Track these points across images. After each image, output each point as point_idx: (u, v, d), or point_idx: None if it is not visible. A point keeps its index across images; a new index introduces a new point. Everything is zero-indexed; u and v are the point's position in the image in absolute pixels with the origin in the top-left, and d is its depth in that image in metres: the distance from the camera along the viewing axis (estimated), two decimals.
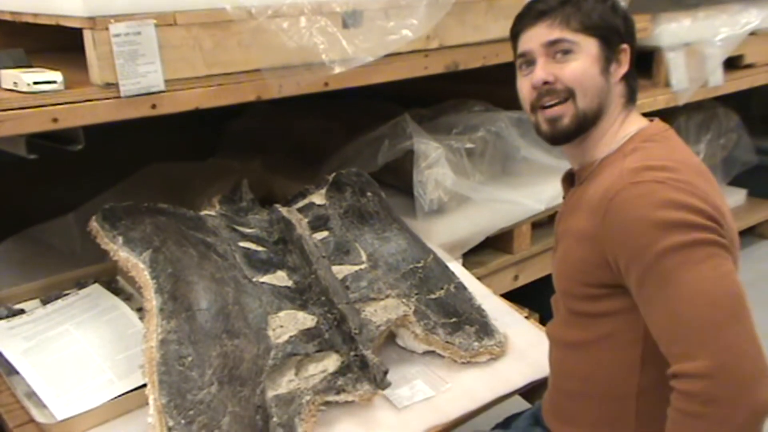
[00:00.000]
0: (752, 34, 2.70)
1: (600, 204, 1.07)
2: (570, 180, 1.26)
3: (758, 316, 1.03)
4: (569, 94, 1.14)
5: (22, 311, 1.52)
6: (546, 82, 1.15)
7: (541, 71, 1.15)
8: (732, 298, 0.99)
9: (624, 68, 1.17)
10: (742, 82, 2.81)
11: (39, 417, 1.26)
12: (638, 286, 1.04)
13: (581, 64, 1.14)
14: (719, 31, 2.59)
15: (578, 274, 1.13)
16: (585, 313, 1.15)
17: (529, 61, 1.17)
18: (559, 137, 1.18)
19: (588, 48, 1.14)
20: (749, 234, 3.21)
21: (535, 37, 1.16)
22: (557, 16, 1.14)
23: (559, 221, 1.25)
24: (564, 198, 1.28)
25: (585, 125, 1.16)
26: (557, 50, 1.14)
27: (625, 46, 1.16)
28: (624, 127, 1.17)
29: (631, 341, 1.10)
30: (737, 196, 3.23)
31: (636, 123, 1.18)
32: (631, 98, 1.19)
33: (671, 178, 1.03)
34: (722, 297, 0.99)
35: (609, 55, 1.15)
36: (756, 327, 1.00)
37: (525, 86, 1.19)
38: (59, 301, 1.53)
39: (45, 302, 1.55)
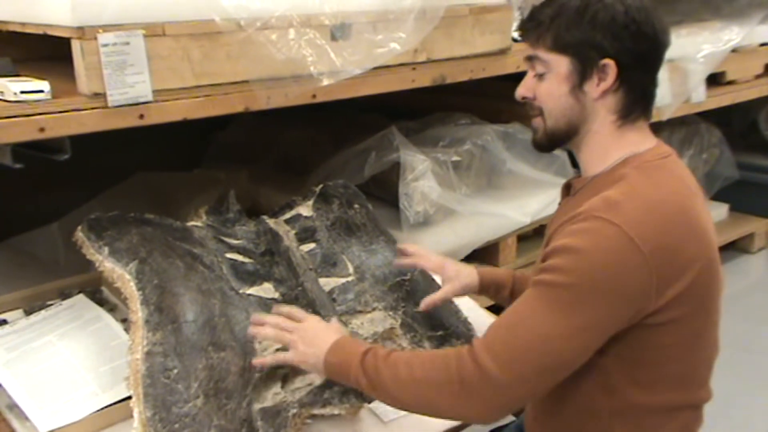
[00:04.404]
0: (734, 51, 2.74)
1: (565, 223, 1.10)
2: (568, 188, 1.26)
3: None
4: (541, 111, 1.18)
5: (4, 322, 1.50)
6: (524, 97, 1.20)
7: (521, 87, 1.20)
8: (561, 358, 1.05)
9: (608, 83, 1.11)
10: (724, 98, 2.86)
11: (21, 429, 1.24)
12: (531, 283, 1.09)
13: (549, 84, 1.15)
14: (701, 48, 2.63)
15: None
16: None
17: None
18: (536, 147, 1.23)
19: (558, 67, 1.13)
20: (731, 248, 3.25)
21: (524, 50, 1.20)
22: (534, 34, 1.16)
23: (549, 228, 1.27)
24: (559, 204, 1.29)
25: (556, 142, 1.19)
26: (534, 65, 1.17)
27: (607, 60, 1.10)
28: (619, 144, 1.15)
29: (588, 366, 1.10)
30: (719, 211, 3.26)
31: (636, 143, 1.15)
32: (627, 114, 1.14)
33: (631, 222, 1.03)
34: (556, 352, 1.04)
35: (584, 73, 1.12)
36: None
37: None
38: (42, 311, 1.51)
39: (28, 313, 1.53)
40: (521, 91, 1.20)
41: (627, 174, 1.11)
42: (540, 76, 1.16)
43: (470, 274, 1.46)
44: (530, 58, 1.17)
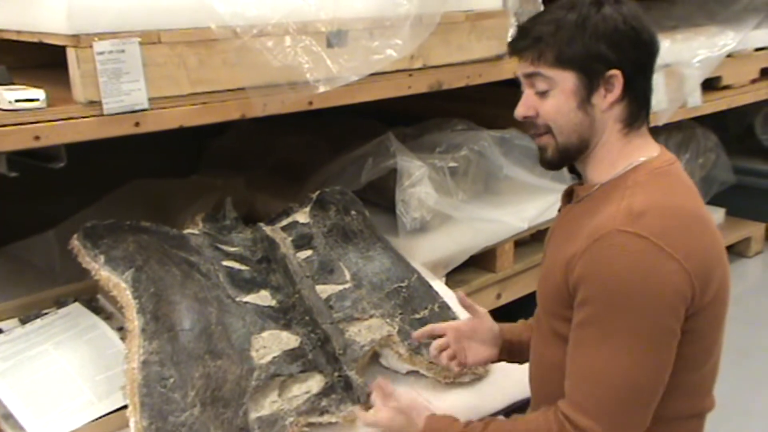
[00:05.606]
0: (729, 56, 2.75)
1: (587, 239, 1.07)
2: (570, 195, 1.24)
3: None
4: (548, 129, 1.15)
5: None
6: (526, 117, 1.17)
7: (522, 106, 1.17)
8: (649, 388, 1.05)
9: (615, 94, 1.11)
10: (720, 103, 2.86)
11: None
12: (579, 325, 1.08)
13: (556, 101, 1.13)
14: (697, 53, 2.63)
15: (558, 295, 1.14)
16: (565, 337, 1.14)
17: (522, 85, 1.18)
18: (546, 166, 1.20)
19: (564, 82, 1.11)
20: (728, 252, 3.24)
21: (519, 67, 1.17)
22: (533, 51, 1.13)
23: (551, 236, 1.26)
24: (559, 211, 1.27)
25: (569, 157, 1.17)
26: (534, 83, 1.14)
27: (613, 71, 1.09)
28: (626, 152, 1.14)
29: None
30: (716, 215, 3.26)
31: (642, 150, 1.14)
32: (632, 121, 1.14)
33: (658, 232, 1.03)
34: (642, 384, 1.04)
35: (591, 86, 1.11)
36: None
37: None
38: (38, 320, 1.50)
39: (24, 321, 1.53)
40: (522, 110, 1.16)
41: (640, 181, 1.10)
42: (542, 94, 1.13)
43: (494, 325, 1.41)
44: (530, 76, 1.14)
